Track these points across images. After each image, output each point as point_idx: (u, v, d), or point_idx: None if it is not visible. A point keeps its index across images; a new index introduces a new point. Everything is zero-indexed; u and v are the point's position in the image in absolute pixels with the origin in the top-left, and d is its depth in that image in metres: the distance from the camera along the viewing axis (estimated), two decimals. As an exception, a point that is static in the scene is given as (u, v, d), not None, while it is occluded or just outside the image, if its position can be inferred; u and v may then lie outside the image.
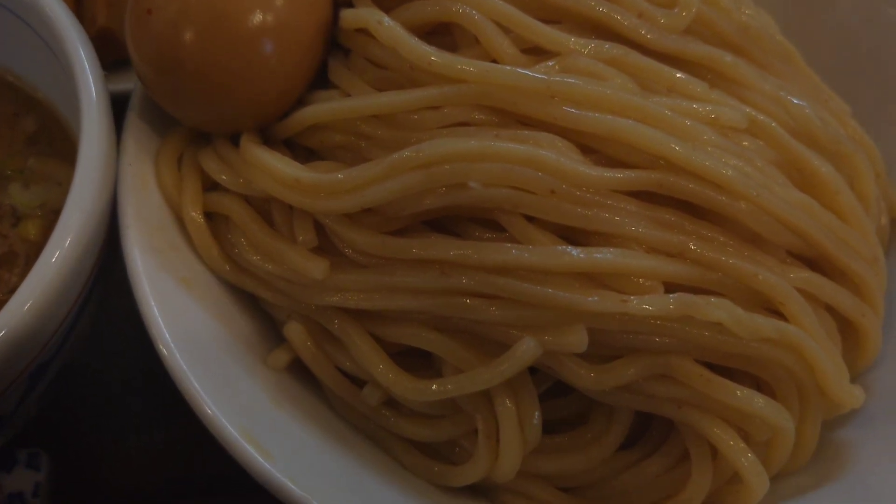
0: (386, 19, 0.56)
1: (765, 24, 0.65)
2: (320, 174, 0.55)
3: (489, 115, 0.54)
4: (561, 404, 0.58)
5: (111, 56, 0.88)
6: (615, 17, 0.57)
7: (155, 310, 0.55)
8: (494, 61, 0.56)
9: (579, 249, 0.51)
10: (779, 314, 0.54)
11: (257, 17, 0.56)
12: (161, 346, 0.54)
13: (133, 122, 0.62)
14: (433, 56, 0.54)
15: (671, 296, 0.51)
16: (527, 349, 0.51)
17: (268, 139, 0.61)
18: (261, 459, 0.50)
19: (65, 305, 0.55)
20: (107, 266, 0.61)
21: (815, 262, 0.58)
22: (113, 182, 0.59)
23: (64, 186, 0.69)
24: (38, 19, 0.63)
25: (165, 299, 0.56)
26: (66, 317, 0.56)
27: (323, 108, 0.57)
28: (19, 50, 0.69)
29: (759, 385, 0.55)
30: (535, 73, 0.53)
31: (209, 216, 0.62)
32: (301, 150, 0.61)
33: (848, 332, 0.60)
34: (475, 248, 0.52)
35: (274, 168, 0.56)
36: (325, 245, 0.58)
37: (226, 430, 0.51)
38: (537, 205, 0.52)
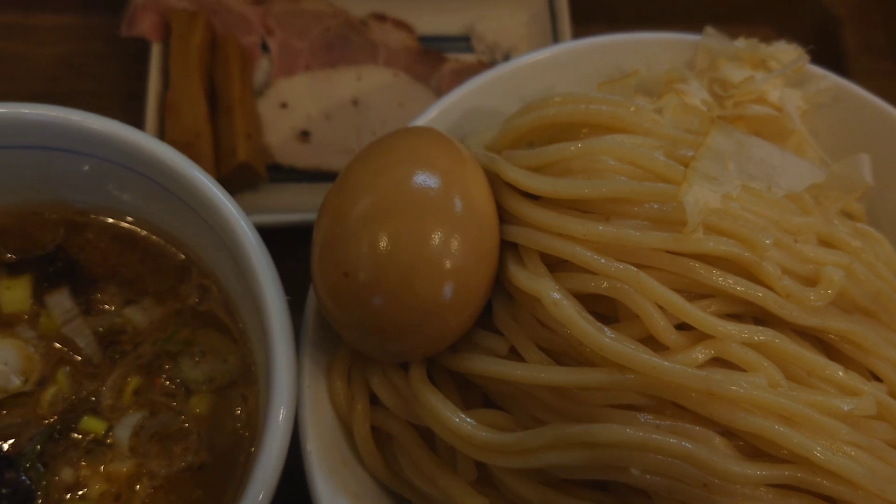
0: (559, 296, 0.61)
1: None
2: (490, 434, 0.61)
3: (650, 400, 0.60)
4: None
5: (246, 182, 0.93)
6: (764, 298, 0.63)
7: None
8: (651, 337, 0.62)
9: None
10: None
11: (439, 284, 0.61)
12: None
13: (308, 339, 0.68)
14: (604, 341, 0.59)
15: None
16: None
17: (434, 365, 0.67)
18: None
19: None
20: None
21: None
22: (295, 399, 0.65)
23: (229, 364, 0.75)
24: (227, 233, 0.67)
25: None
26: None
27: (495, 369, 0.63)
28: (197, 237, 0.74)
29: None
30: (696, 372, 0.58)
31: (373, 427, 0.68)
32: (464, 379, 0.67)
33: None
34: (631, 525, 0.59)
35: (443, 416, 0.62)
36: (484, 475, 0.65)
37: None
38: (690, 495, 0.58)
